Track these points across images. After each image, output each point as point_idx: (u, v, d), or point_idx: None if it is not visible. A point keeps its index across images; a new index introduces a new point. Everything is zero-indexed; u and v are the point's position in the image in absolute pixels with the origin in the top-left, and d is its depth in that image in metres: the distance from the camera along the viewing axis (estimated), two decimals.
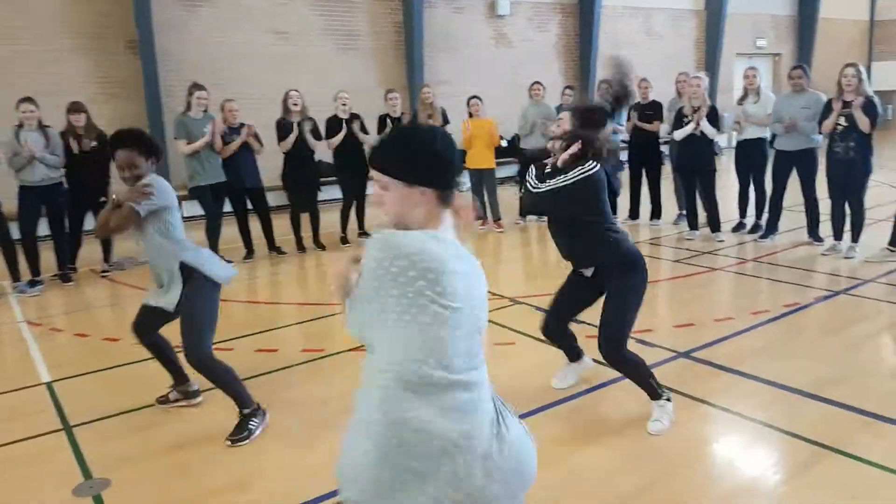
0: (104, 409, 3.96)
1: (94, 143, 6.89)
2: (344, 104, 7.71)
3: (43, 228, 6.86)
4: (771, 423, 3.43)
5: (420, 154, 1.64)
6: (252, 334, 5.08)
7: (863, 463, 3.04)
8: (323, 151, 7.91)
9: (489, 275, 1.76)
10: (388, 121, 8.00)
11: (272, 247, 7.71)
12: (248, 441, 3.47)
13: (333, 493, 2.97)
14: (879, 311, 5.11)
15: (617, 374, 4.10)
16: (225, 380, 3.57)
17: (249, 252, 7.56)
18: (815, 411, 3.56)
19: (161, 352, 3.88)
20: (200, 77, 8.70)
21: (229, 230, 7.52)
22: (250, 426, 3.52)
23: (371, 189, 2.13)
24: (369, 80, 11.54)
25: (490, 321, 1.78)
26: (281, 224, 7.98)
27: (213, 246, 7.03)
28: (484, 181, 8.41)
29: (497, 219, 8.55)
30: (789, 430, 3.35)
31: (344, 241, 8.05)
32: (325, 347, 4.73)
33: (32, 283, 6.67)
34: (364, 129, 7.82)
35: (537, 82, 8.66)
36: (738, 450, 3.29)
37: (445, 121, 8.36)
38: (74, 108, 6.90)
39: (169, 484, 3.19)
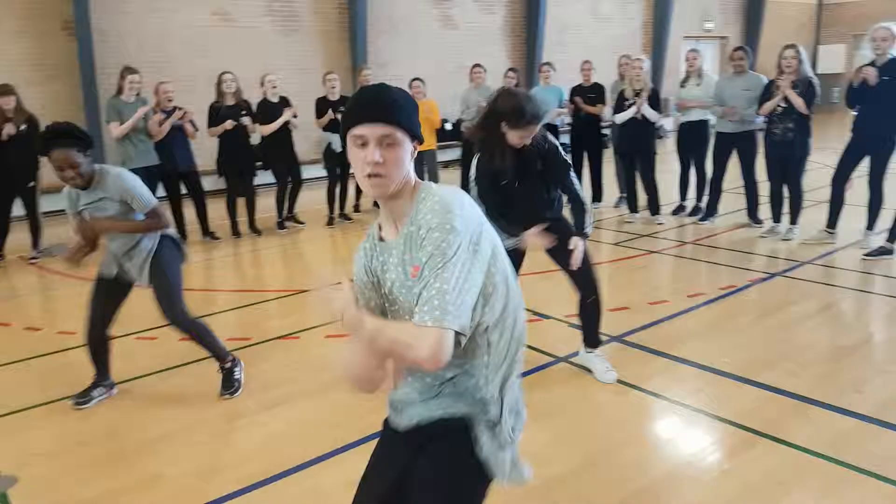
0: (19, 401, 3.78)
1: (22, 127, 6.60)
2: (274, 87, 7.44)
3: None
4: (701, 409, 3.42)
5: (414, 106, 1.60)
6: None
7: (791, 447, 3.03)
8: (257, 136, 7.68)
9: None
10: (327, 104, 7.78)
11: (206, 232, 7.49)
12: (240, 391, 3.76)
13: (250, 488, 2.86)
14: (811, 293, 5.16)
15: (551, 358, 4.06)
16: (208, 337, 3.77)
17: (182, 237, 7.28)
18: (746, 396, 3.56)
19: (105, 350, 3.77)
20: (138, 58, 8.38)
21: None
22: (236, 377, 3.79)
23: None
24: (313, 62, 11.22)
25: None
26: (214, 209, 7.75)
27: None
28: (425, 162, 8.31)
29: None
30: (719, 415, 3.34)
31: (281, 226, 7.85)
32: (252, 336, 4.57)
33: None
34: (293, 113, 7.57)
35: (478, 65, 8.54)
36: (667, 435, 3.27)
37: None
38: (3, 90, 6.61)
39: (81, 479, 3.03)
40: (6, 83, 6.72)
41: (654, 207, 7.54)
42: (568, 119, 8.50)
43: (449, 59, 12.35)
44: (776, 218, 6.72)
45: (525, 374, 3.77)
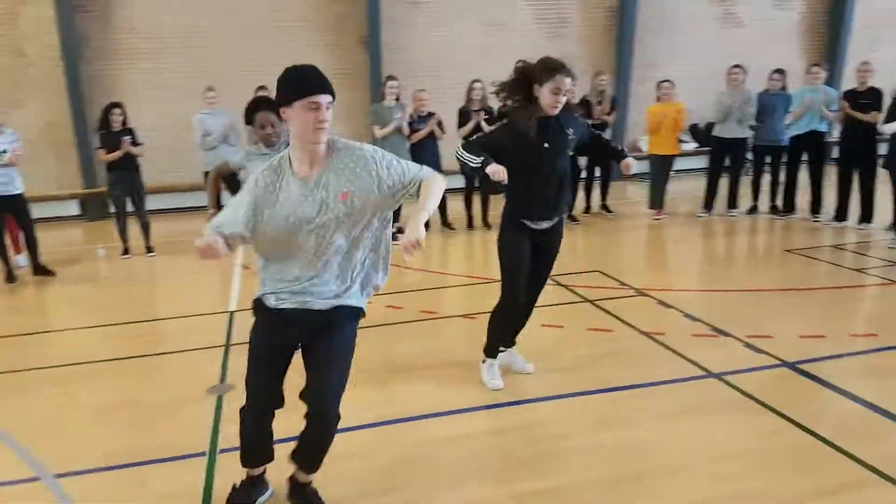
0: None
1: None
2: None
3: None
4: (829, 439, 3.16)
5: None
6: (394, 293, 5.57)
7: None
8: None
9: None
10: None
11: (444, 223, 8.24)
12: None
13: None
14: None
15: None
16: None
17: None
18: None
19: None
20: (417, 68, 9.32)
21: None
22: None
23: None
24: (576, 65, 11.37)
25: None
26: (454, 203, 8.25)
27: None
28: (665, 167, 8.24)
29: (660, 206, 8.46)
30: (845, 450, 3.07)
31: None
32: (438, 311, 5.18)
33: None
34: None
35: (737, 66, 8.11)
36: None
37: (613, 108, 8.40)
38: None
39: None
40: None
41: None
42: (837, 127, 7.65)
43: (729, 59, 11.58)
44: None
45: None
